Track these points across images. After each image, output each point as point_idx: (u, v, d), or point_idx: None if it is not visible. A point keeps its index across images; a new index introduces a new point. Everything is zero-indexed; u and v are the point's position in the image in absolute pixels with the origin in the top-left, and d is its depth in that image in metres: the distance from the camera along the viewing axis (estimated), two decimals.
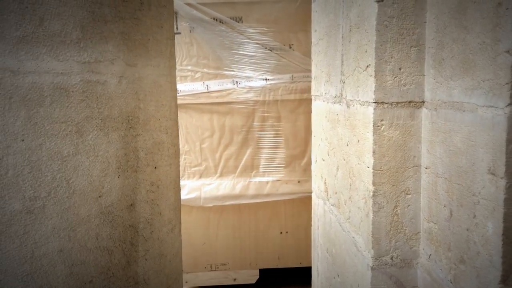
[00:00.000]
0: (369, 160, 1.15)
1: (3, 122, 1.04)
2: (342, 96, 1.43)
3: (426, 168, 1.10)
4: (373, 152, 1.13)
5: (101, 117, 1.18)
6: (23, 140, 1.07)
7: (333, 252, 1.62)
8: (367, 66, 1.16)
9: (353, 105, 1.30)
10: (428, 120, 1.08)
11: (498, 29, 0.79)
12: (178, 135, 1.55)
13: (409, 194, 1.14)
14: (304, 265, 3.47)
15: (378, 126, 1.12)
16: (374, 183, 1.13)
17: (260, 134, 3.33)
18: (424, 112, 1.11)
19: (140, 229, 1.32)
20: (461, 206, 0.93)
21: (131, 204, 1.28)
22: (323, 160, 1.78)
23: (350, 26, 1.31)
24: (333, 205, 1.62)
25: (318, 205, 1.92)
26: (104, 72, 1.18)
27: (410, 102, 1.11)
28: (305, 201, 3.40)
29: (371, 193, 1.14)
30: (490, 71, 0.81)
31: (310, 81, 3.34)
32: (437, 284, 1.05)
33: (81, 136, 1.15)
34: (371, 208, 1.15)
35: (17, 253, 1.09)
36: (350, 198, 1.36)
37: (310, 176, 3.35)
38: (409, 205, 1.14)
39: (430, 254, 1.09)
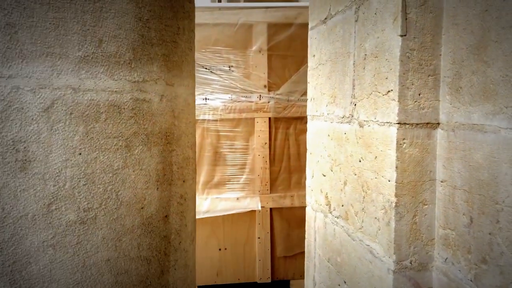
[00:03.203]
0: (391, 174, 1.29)
1: (63, 136, 1.10)
2: (353, 116, 1.58)
3: (442, 182, 1.26)
4: (396, 167, 1.27)
5: (145, 133, 1.26)
6: (80, 154, 1.13)
7: (338, 261, 1.75)
8: (388, 91, 1.31)
9: (369, 125, 1.44)
10: (444, 139, 1.24)
11: None
12: (196, 152, 1.63)
13: (426, 205, 1.29)
14: (242, 281, 3.61)
15: (400, 144, 1.27)
16: (396, 195, 1.27)
17: (199, 152, 3.46)
18: (439, 132, 1.27)
19: (171, 239, 1.39)
20: (483, 214, 1.08)
21: (166, 216, 1.35)
22: (324, 176, 1.91)
23: (365, 55, 1.47)
24: (337, 217, 1.75)
25: (315, 218, 2.05)
26: (149, 91, 1.26)
27: (427, 123, 1.27)
28: (244, 217, 3.55)
29: (393, 204, 1.28)
30: None
31: (248, 101, 3.55)
32: (455, 283, 1.19)
33: (129, 150, 1.22)
34: (393, 217, 1.28)
35: (70, 263, 1.13)
36: (363, 209, 1.50)
37: (248, 193, 3.52)
38: (426, 214, 1.29)
39: (446, 258, 1.24)
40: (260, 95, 3.50)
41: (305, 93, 3.54)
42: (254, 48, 3.49)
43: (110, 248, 1.20)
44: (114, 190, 1.19)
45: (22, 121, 1.06)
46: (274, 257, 3.64)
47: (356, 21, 1.55)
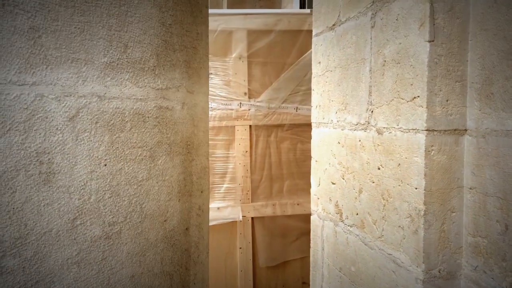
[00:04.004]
0: (419, 182, 1.27)
1: (89, 146, 1.04)
2: (369, 123, 1.56)
3: (471, 189, 1.25)
4: (425, 175, 1.25)
5: (168, 142, 1.21)
6: (105, 165, 1.07)
7: (352, 270, 1.72)
8: (414, 98, 1.29)
9: (389, 132, 1.42)
10: (473, 146, 1.23)
11: None
12: (209, 160, 1.58)
13: (454, 212, 1.27)
14: None
15: (429, 151, 1.25)
16: (425, 203, 1.26)
17: None
18: (467, 139, 1.26)
19: (191, 253, 1.34)
20: None
21: (187, 228, 1.30)
22: (333, 184, 1.89)
23: (384, 61, 1.45)
24: (351, 226, 1.72)
25: (323, 227, 2.02)
26: (172, 98, 1.21)
27: (455, 130, 1.26)
28: (224, 227, 3.47)
29: (422, 212, 1.26)
30: None
31: (229, 109, 3.48)
32: None
33: (153, 160, 1.16)
34: (421, 225, 1.26)
35: (95, 280, 1.07)
36: (383, 217, 1.47)
37: (229, 202, 3.44)
38: (454, 222, 1.27)
39: (477, 266, 1.22)
40: (240, 103, 3.45)
41: (285, 101, 3.50)
42: (234, 55, 3.44)
43: (135, 263, 1.14)
44: (139, 203, 1.13)
45: (46, 131, 0.99)
46: (256, 267, 3.57)
47: (372, 27, 1.53)
